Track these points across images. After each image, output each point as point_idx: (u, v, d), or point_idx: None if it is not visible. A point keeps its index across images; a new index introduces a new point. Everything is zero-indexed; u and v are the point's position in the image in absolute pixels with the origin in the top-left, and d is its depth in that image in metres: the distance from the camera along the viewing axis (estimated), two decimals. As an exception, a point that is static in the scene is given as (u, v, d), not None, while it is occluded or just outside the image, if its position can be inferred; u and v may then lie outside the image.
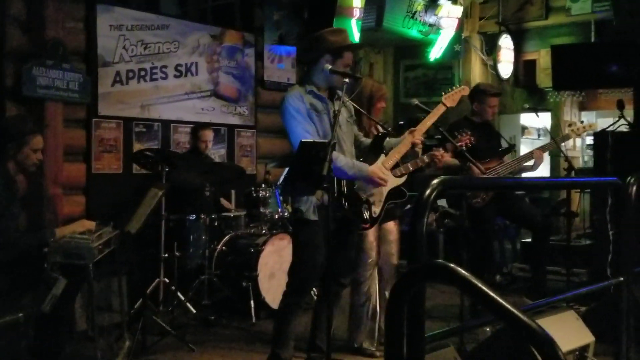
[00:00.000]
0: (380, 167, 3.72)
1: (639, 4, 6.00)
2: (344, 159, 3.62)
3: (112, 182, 5.90)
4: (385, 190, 3.78)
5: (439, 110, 3.98)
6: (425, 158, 4.19)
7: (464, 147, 4.44)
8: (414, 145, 3.79)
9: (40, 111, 5.30)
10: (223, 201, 6.21)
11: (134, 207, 4.01)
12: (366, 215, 3.61)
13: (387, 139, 3.88)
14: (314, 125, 3.59)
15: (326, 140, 3.33)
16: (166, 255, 5.13)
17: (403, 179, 3.90)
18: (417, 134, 3.82)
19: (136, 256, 4.86)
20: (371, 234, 4.28)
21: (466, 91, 4.08)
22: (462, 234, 5.08)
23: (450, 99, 4.03)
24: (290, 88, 3.78)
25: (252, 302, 5.21)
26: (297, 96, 3.63)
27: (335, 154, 3.44)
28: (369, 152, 3.74)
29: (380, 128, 4.36)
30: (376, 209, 3.72)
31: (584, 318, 3.48)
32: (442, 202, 7.11)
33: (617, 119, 5.90)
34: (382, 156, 3.78)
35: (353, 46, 3.80)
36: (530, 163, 5.20)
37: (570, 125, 5.37)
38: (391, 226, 4.36)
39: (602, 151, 5.55)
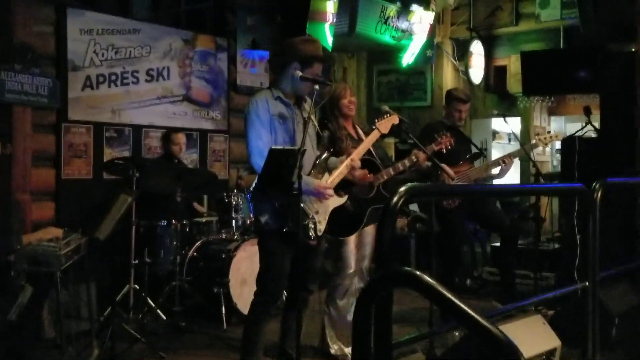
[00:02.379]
0: (326, 182, 3.73)
1: (604, 12, 6.10)
2: None
3: (82, 188, 5.83)
4: (329, 207, 3.78)
5: (374, 136, 4.07)
6: (407, 161, 4.22)
7: (444, 150, 4.49)
8: (354, 162, 3.81)
9: (8, 116, 5.23)
10: (196, 205, 6.18)
11: (103, 213, 3.96)
12: (312, 231, 3.60)
13: (332, 158, 3.89)
14: (274, 132, 3.59)
15: (296, 147, 3.33)
16: (136, 261, 5.08)
17: (344, 198, 3.91)
18: (355, 157, 3.87)
19: (105, 263, 4.82)
20: (352, 242, 4.28)
21: (396, 120, 4.14)
22: (433, 239, 5.11)
23: (383, 125, 4.11)
24: (258, 92, 3.79)
25: (223, 308, 5.19)
26: (262, 101, 3.63)
27: None
28: (312, 170, 3.75)
29: (360, 132, 4.39)
30: (321, 227, 3.71)
31: (551, 322, 3.52)
32: (414, 207, 7.15)
33: (584, 124, 5.98)
34: (326, 175, 3.80)
35: (324, 58, 3.80)
36: (496, 171, 5.25)
37: (537, 134, 5.44)
38: (371, 229, 4.37)
39: (570, 157, 5.62)
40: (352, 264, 4.32)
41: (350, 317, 4.33)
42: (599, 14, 6.24)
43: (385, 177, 4.19)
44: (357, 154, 3.91)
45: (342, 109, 4.35)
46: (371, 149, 4.17)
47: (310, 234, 3.59)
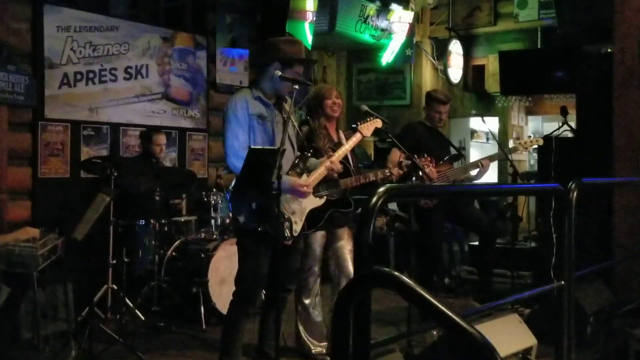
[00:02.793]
0: (305, 180, 3.75)
1: (581, 12, 6.17)
2: None
3: (59, 187, 5.78)
4: (306, 208, 3.79)
5: (356, 139, 4.10)
6: (380, 174, 4.24)
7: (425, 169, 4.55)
8: (331, 170, 3.83)
9: (-17, 114, 5.16)
10: (176, 202, 6.15)
11: (80, 213, 3.94)
12: (287, 232, 3.61)
13: (311, 159, 3.90)
14: (253, 132, 3.60)
15: (275, 147, 3.34)
16: (114, 261, 5.05)
17: (322, 200, 3.92)
18: (335, 160, 3.89)
19: (83, 263, 4.78)
20: (316, 243, 4.28)
21: (379, 124, 4.19)
22: (412, 238, 5.14)
23: (366, 128, 4.16)
24: (238, 91, 3.81)
25: (202, 308, 5.18)
26: (241, 100, 3.65)
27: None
28: (290, 171, 3.76)
29: (342, 137, 4.41)
30: (297, 227, 3.72)
31: (528, 321, 3.57)
32: (393, 206, 7.19)
33: (561, 124, 6.05)
34: (305, 176, 3.81)
35: (305, 60, 3.82)
36: (474, 173, 5.30)
37: (518, 138, 5.52)
38: (343, 234, 4.35)
39: (547, 156, 5.68)
40: (314, 263, 4.30)
41: (315, 316, 4.34)
42: (576, 14, 6.31)
43: (355, 184, 4.20)
44: (338, 156, 3.92)
45: (325, 108, 4.36)
46: (348, 153, 4.19)
47: (286, 234, 3.60)
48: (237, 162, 3.50)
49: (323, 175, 3.83)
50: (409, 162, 4.27)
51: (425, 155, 4.60)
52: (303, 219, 3.76)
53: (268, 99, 3.72)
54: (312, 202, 3.83)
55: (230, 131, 3.60)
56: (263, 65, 3.76)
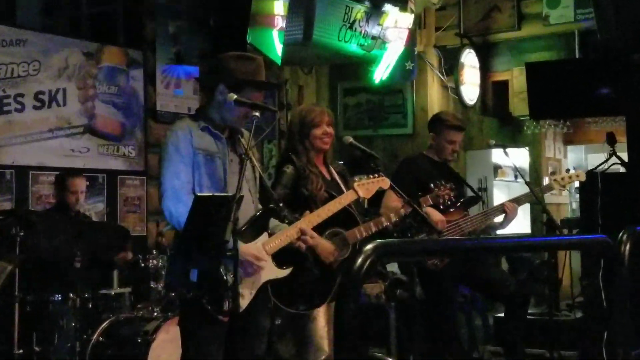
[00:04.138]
0: (259, 248, 3.71)
1: (626, 12, 6.24)
2: None
3: (-53, 252, 5.70)
4: (260, 278, 3.75)
5: (346, 199, 4.09)
6: (392, 216, 4.25)
7: (441, 204, 4.54)
8: (303, 233, 3.82)
9: None
10: (121, 257, 6.07)
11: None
12: (227, 305, 3.57)
13: (278, 224, 3.89)
14: (198, 171, 3.63)
15: (228, 193, 3.32)
16: (21, 351, 4.98)
17: (286, 272, 3.89)
18: (308, 226, 3.88)
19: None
20: (321, 318, 4.25)
21: (385, 184, 4.22)
22: (418, 309, 5.11)
23: (364, 188, 4.15)
24: (179, 120, 3.86)
25: (140, 410, 5.08)
26: (183, 131, 3.68)
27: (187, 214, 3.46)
28: (249, 227, 3.74)
29: (334, 173, 4.41)
30: (244, 302, 3.68)
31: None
32: (394, 267, 7.15)
33: (609, 155, 6.08)
34: (265, 235, 3.78)
35: (260, 84, 3.83)
36: (499, 219, 5.30)
37: (554, 174, 5.52)
38: None
39: (591, 197, 5.69)
40: (325, 346, 4.27)
41: None
42: (621, 14, 6.39)
43: (365, 235, 4.21)
44: (310, 221, 3.90)
45: (314, 141, 4.38)
46: (345, 191, 4.22)
47: (224, 307, 3.56)
48: (175, 207, 3.53)
49: (286, 241, 3.80)
50: (409, 209, 4.26)
51: (443, 183, 4.61)
52: (254, 292, 3.72)
53: (218, 130, 3.74)
54: (271, 272, 3.79)
55: (169, 168, 3.62)
56: (210, 88, 3.80)
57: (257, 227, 3.76)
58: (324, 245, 4.14)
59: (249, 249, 3.66)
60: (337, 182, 4.42)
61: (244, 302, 3.67)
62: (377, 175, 4.21)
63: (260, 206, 3.90)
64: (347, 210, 4.20)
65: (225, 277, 3.57)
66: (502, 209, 5.27)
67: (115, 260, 6.01)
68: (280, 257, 3.82)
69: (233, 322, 3.60)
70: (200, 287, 3.49)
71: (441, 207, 4.79)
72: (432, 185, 4.74)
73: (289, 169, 4.30)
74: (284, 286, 3.95)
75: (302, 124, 4.43)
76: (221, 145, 3.72)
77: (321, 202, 4.16)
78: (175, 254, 3.57)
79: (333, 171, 4.50)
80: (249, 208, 3.73)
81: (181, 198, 3.53)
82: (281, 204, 3.88)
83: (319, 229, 4.14)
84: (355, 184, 4.15)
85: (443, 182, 4.76)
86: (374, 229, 4.27)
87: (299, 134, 4.42)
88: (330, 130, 4.43)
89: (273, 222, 3.87)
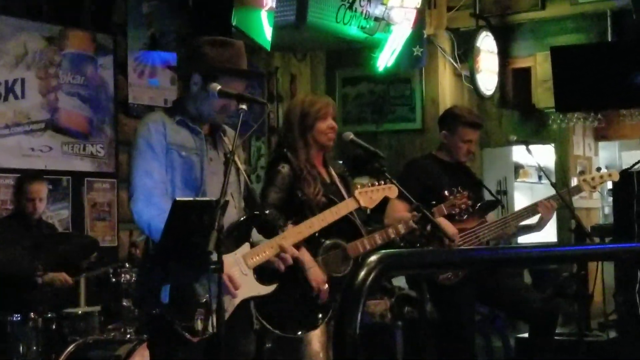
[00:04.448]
0: (239, 260, 3.72)
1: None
2: None
3: None
4: (240, 295, 3.76)
5: (345, 208, 4.08)
6: (401, 228, 4.25)
7: (457, 213, 4.55)
8: (282, 250, 3.82)
9: None
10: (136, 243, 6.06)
11: None
12: (199, 325, 3.59)
13: (259, 237, 3.91)
14: (171, 169, 3.67)
15: (211, 198, 3.33)
16: (-26, 379, 4.97)
17: (270, 288, 3.89)
18: (297, 237, 3.91)
19: None
20: (316, 341, 4.27)
21: (393, 192, 4.21)
22: (429, 329, 5.11)
23: (367, 196, 4.13)
24: (151, 113, 3.94)
25: None
26: (156, 124, 3.71)
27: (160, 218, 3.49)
28: (229, 235, 3.75)
29: (333, 174, 4.42)
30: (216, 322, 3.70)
31: None
32: (401, 281, 7.16)
33: (645, 153, 6.10)
34: (246, 246, 3.78)
35: (238, 72, 3.84)
36: (532, 221, 5.31)
37: (582, 173, 5.54)
38: None
39: (626, 200, 5.70)
40: None
41: None
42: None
43: (369, 248, 4.23)
44: (299, 233, 3.91)
45: (318, 136, 4.38)
46: (346, 196, 4.25)
47: (196, 327, 3.57)
48: (146, 209, 3.55)
49: (268, 257, 3.80)
50: (418, 214, 4.27)
51: (459, 190, 4.61)
52: (230, 310, 3.73)
53: (197, 125, 3.77)
54: (250, 289, 3.79)
55: (141, 165, 3.65)
56: (185, 77, 3.85)
57: (237, 236, 3.76)
58: (315, 273, 4.15)
59: (225, 262, 3.66)
60: (337, 186, 4.43)
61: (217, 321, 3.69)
62: (383, 182, 4.21)
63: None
64: (348, 218, 4.20)
65: (198, 293, 3.59)
66: (535, 208, 5.27)
67: (46, 282, 5.87)
68: (266, 271, 3.83)
69: (210, 347, 3.60)
70: (170, 304, 3.49)
71: (457, 217, 4.79)
72: (446, 192, 4.74)
73: (284, 169, 4.30)
74: (273, 305, 3.96)
75: (304, 115, 4.42)
76: (199, 142, 3.74)
77: (318, 209, 4.17)
78: (146, 265, 3.57)
79: (333, 173, 4.50)
80: (231, 215, 3.73)
81: (153, 200, 3.55)
82: (268, 211, 3.89)
83: (316, 239, 4.14)
84: (357, 192, 4.14)
85: (459, 189, 4.75)
86: (379, 242, 4.27)
87: (299, 127, 4.41)
88: (334, 124, 4.44)
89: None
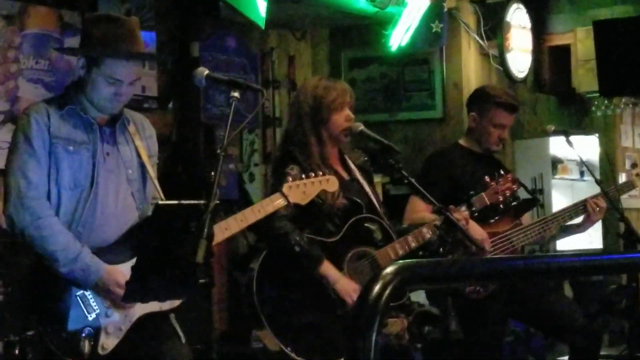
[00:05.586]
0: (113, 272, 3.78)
1: None
2: (65, 236, 3.70)
3: None
4: (135, 311, 3.79)
5: (270, 205, 4.04)
6: (425, 232, 4.29)
7: (501, 203, 4.57)
8: None
9: None
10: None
11: None
12: (87, 348, 3.61)
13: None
14: (56, 167, 3.74)
15: (192, 201, 3.35)
16: None
17: (176, 303, 3.91)
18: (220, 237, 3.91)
19: None
20: None
21: (332, 185, 4.17)
22: (453, 351, 5.12)
23: (298, 191, 4.08)
24: (35, 103, 4.01)
25: None
26: (37, 115, 3.78)
27: (49, 220, 3.63)
28: (125, 241, 3.79)
29: (352, 167, 4.44)
30: (108, 342, 3.71)
31: None
32: (420, 296, 7.16)
33: None
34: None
35: (126, 54, 3.86)
36: (577, 220, 5.34)
37: (634, 166, 5.54)
38: None
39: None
40: None
41: None
42: None
43: (402, 254, 4.29)
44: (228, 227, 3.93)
45: (333, 130, 4.39)
46: (370, 194, 4.31)
47: (84, 350, 3.61)
48: (18, 215, 3.64)
49: None
50: (441, 217, 4.28)
51: (502, 174, 4.63)
52: (125, 329, 3.75)
53: (90, 115, 3.83)
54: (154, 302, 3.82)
55: (14, 163, 3.74)
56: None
57: (132, 245, 3.81)
58: (344, 285, 4.18)
59: (113, 274, 3.71)
60: (358, 182, 4.43)
61: (108, 342, 3.71)
62: (321, 174, 4.16)
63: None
64: (375, 220, 4.22)
65: (84, 311, 3.64)
66: (583, 207, 5.27)
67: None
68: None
69: None
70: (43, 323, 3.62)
71: (501, 206, 4.77)
72: (486, 178, 4.72)
73: (293, 171, 4.28)
74: (298, 332, 4.01)
75: (317, 105, 4.43)
76: (91, 134, 3.81)
77: (338, 214, 4.17)
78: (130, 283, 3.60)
79: (352, 166, 4.50)
80: (127, 217, 3.81)
81: (28, 204, 3.64)
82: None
83: (338, 249, 4.15)
84: (287, 186, 4.08)
85: (502, 173, 4.74)
86: (412, 245, 4.27)
87: (311, 120, 4.42)
88: (352, 115, 4.45)
89: None
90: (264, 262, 4.20)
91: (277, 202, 4.06)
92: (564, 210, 5.42)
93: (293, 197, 4.07)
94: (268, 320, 4.12)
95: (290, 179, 4.15)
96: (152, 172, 3.97)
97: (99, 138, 3.81)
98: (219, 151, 3.62)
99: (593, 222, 5.32)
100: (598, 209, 5.25)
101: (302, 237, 4.16)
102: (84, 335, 3.65)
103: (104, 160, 3.78)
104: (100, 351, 3.69)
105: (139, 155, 3.87)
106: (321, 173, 4.15)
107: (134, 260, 3.70)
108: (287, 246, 4.12)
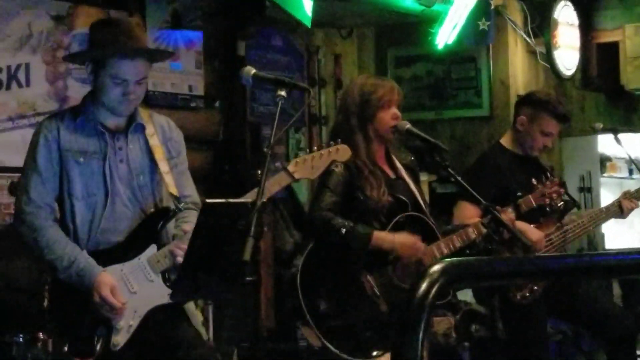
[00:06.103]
0: (143, 266, 3.81)
1: None
2: (59, 244, 3.79)
3: None
4: (147, 303, 3.79)
5: (274, 184, 3.92)
6: (471, 232, 4.29)
7: (547, 206, 4.56)
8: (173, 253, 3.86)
9: None
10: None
11: None
12: (98, 346, 3.62)
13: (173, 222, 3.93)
14: (68, 178, 3.84)
15: (246, 200, 3.36)
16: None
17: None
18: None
19: None
20: None
21: (343, 153, 4.06)
22: (500, 350, 5.11)
23: (305, 166, 3.98)
24: (48, 117, 4.13)
25: None
26: (46, 131, 3.88)
27: (45, 231, 3.77)
28: (127, 239, 3.82)
29: (398, 166, 4.45)
30: (119, 339, 3.72)
31: None
32: (467, 295, 7.14)
33: None
34: (152, 248, 3.80)
35: (127, 51, 3.89)
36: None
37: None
38: None
39: None
40: None
41: None
42: None
43: (446, 252, 4.29)
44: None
45: (379, 127, 4.40)
46: (416, 193, 4.31)
47: (96, 348, 3.62)
48: (20, 230, 3.84)
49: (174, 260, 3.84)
50: (489, 217, 4.27)
51: (550, 178, 4.62)
52: (135, 324, 3.76)
53: (106, 122, 3.89)
54: (160, 296, 3.81)
55: (22, 179, 3.93)
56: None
57: (141, 238, 3.82)
58: (402, 241, 4.16)
59: (104, 280, 3.74)
60: (404, 181, 4.42)
61: (118, 339, 3.73)
62: (333, 143, 4.07)
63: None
64: (418, 218, 4.22)
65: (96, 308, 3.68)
66: (618, 207, 5.26)
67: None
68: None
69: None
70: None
71: (548, 209, 4.76)
72: (534, 180, 4.71)
73: (338, 169, 4.29)
74: (338, 324, 4.01)
75: (364, 103, 4.44)
76: (102, 143, 3.87)
77: (384, 211, 4.17)
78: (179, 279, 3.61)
79: (398, 165, 4.50)
80: (136, 220, 3.87)
81: (24, 218, 3.82)
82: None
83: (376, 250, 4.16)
84: (291, 163, 3.97)
85: (549, 176, 4.73)
86: (458, 245, 4.27)
87: (358, 117, 4.43)
88: (399, 113, 4.45)
89: None
90: (308, 257, 4.21)
91: (282, 179, 3.98)
92: (600, 209, 5.44)
93: (300, 174, 3.97)
94: (311, 315, 4.13)
95: (334, 175, 4.19)
96: (166, 172, 3.99)
97: (110, 147, 3.88)
98: (265, 150, 3.64)
99: (628, 211, 5.35)
100: (629, 207, 5.29)
101: (346, 220, 4.16)
102: (97, 334, 3.72)
103: (117, 168, 3.86)
104: (112, 348, 3.75)
105: (152, 157, 3.91)
106: (332, 143, 4.07)
107: (140, 256, 3.82)
108: (333, 231, 4.12)
